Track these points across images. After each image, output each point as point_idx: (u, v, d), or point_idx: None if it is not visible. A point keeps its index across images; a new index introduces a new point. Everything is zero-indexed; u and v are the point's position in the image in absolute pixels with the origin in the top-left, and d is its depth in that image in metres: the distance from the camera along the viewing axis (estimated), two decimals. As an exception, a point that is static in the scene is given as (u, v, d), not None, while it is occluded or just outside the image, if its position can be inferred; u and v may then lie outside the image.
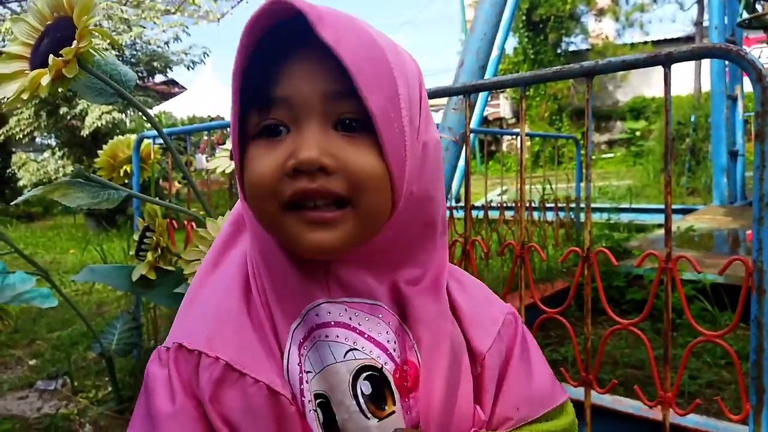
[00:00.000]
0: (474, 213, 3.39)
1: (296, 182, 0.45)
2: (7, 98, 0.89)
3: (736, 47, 1.03)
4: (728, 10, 5.42)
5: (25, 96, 0.89)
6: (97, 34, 0.93)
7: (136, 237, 1.17)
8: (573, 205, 3.87)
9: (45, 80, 0.88)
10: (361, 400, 0.48)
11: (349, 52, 0.44)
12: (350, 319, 0.50)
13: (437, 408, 0.50)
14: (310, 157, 0.44)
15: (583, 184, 3.80)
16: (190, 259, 1.01)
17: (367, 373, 0.49)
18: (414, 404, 0.50)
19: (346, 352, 0.49)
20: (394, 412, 0.49)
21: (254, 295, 0.51)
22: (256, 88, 0.47)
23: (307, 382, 0.48)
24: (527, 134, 5.25)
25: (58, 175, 7.42)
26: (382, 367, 0.50)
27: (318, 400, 0.48)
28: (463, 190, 3.25)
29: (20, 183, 7.87)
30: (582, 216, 3.89)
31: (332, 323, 0.49)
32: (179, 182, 5.36)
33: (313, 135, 0.45)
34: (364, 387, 0.48)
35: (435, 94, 1.38)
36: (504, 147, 16.98)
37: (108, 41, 1.36)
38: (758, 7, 4.56)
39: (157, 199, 1.13)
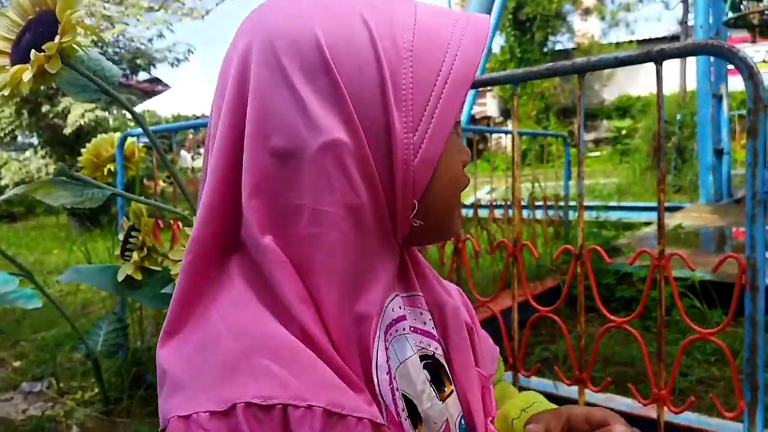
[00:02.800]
0: (463, 212, 3.39)
1: (465, 175, 0.51)
2: (-13, 94, 0.86)
3: (728, 44, 1.03)
4: (713, 9, 5.47)
5: (5, 92, 0.87)
6: (80, 29, 0.90)
7: (121, 237, 1.15)
8: (561, 203, 3.89)
9: (27, 76, 0.86)
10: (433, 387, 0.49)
11: None
12: (402, 308, 0.49)
13: (471, 378, 0.54)
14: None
15: (572, 182, 3.82)
16: (177, 258, 0.99)
17: (425, 362, 0.49)
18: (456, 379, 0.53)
19: (412, 344, 0.48)
20: (453, 391, 0.52)
21: (296, 313, 0.41)
22: None
23: (398, 389, 0.45)
24: (519, 132, 5.23)
25: (40, 174, 7.31)
26: (434, 354, 0.51)
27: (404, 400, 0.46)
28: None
29: (2, 182, 7.74)
30: (570, 214, 3.92)
31: (404, 316, 0.49)
32: (164, 181, 5.31)
33: None
34: (426, 374, 0.49)
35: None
36: (492, 146, 17.04)
37: (92, 36, 1.33)
38: (742, 6, 4.60)
39: (142, 197, 1.11)
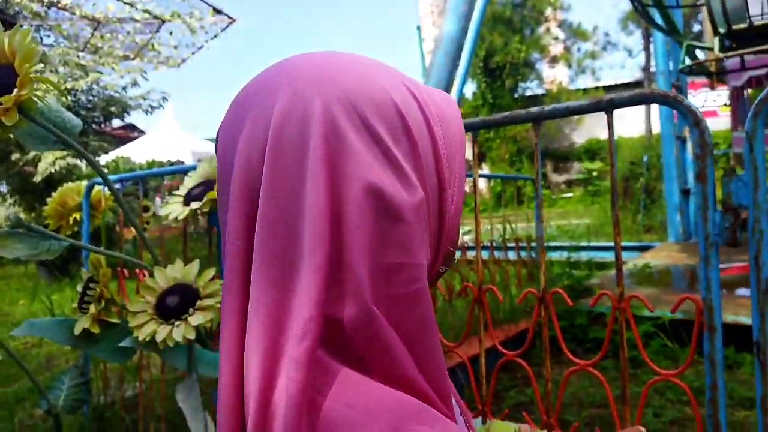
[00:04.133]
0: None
1: None
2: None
3: (673, 93, 1.08)
4: (673, 56, 5.73)
5: (-40, 145, 0.86)
6: (39, 81, 0.91)
7: (79, 288, 1.12)
8: (534, 244, 3.93)
9: (-18, 128, 0.85)
10: None
11: None
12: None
13: None
14: None
15: (544, 224, 3.87)
16: (136, 310, 0.97)
17: None
18: None
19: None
20: None
21: (419, 386, 0.41)
22: None
23: None
24: (483, 175, 5.31)
25: (8, 222, 7.16)
26: None
27: None
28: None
29: (-30, 231, 7.55)
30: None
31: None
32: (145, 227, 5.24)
33: None
34: None
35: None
36: (467, 188, 17.24)
37: (53, 88, 1.33)
38: (699, 54, 4.83)
39: (101, 248, 1.09)
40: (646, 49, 13.87)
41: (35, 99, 0.94)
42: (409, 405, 0.38)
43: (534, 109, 1.10)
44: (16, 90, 0.89)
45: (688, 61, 4.10)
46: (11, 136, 0.95)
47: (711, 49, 3.57)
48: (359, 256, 0.39)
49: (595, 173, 15.70)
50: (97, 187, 1.92)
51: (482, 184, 18.52)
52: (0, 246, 0.95)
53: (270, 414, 0.37)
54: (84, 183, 1.80)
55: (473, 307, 1.25)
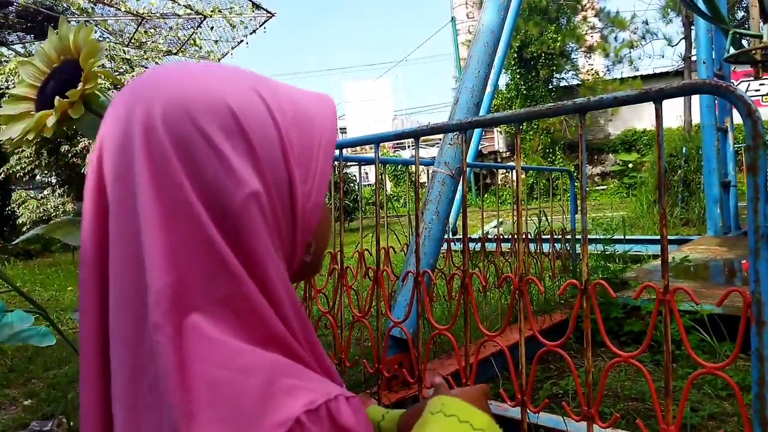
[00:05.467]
0: (471, 245, 3.40)
1: None
2: (13, 138, 0.91)
3: (725, 83, 1.06)
4: (715, 45, 5.56)
5: (30, 136, 0.91)
6: (102, 75, 0.95)
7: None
8: (569, 236, 3.89)
9: (50, 121, 0.90)
10: None
11: None
12: None
13: None
14: None
15: (578, 216, 3.84)
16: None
17: None
18: None
19: None
20: None
21: (289, 342, 0.49)
22: None
23: None
24: (523, 168, 5.28)
25: (57, 212, 7.43)
26: None
27: None
28: (460, 222, 3.23)
29: (19, 221, 7.85)
30: (578, 248, 3.92)
31: None
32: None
33: None
34: None
35: (433, 130, 1.41)
36: (499, 179, 17.09)
37: (111, 81, 1.38)
38: (744, 42, 4.68)
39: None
40: (687, 37, 13.44)
41: (97, 93, 0.99)
42: (283, 363, 0.45)
43: (580, 100, 1.10)
44: (81, 84, 0.93)
45: (733, 50, 3.98)
46: (65, 128, 1.00)
47: (758, 37, 3.46)
48: (196, 247, 0.44)
49: (630, 165, 15.37)
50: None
51: (515, 175, 18.23)
52: (64, 233, 1.00)
53: (145, 378, 0.43)
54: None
55: (513, 297, 1.26)
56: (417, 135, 1.42)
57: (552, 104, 1.14)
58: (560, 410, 1.81)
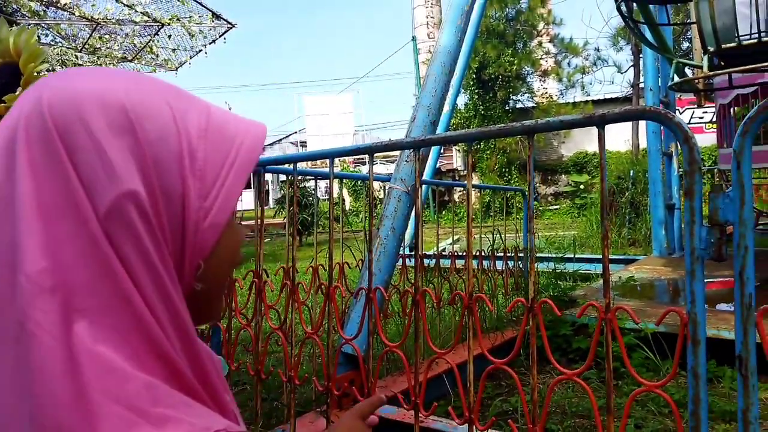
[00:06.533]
0: (426, 261, 3.43)
1: None
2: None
3: (665, 110, 1.11)
4: (662, 73, 5.83)
5: (-38, 141, 0.86)
6: (43, 80, 0.92)
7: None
8: (522, 255, 3.97)
9: (-15, 125, 0.86)
10: None
11: None
12: None
13: None
14: None
15: (543, 226, 3.91)
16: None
17: None
18: None
19: None
20: None
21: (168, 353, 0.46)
22: None
23: None
24: (476, 186, 5.32)
25: None
26: None
27: None
28: (414, 239, 3.22)
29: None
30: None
31: None
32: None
33: None
34: None
35: (388, 147, 1.42)
36: (456, 197, 17.34)
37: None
38: (687, 71, 4.92)
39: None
40: (636, 65, 14.06)
41: (38, 98, 0.95)
42: (159, 389, 0.42)
43: (528, 122, 1.13)
44: (19, 89, 0.90)
45: (677, 78, 4.18)
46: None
47: (700, 67, 3.64)
48: (80, 243, 0.43)
49: (582, 186, 15.86)
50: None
51: (472, 193, 18.54)
52: None
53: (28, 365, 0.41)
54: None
55: (463, 315, 1.27)
56: (371, 151, 1.42)
57: (502, 125, 1.16)
58: (507, 429, 1.83)
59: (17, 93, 0.90)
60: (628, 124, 15.26)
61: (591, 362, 1.12)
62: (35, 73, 0.92)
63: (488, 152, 16.61)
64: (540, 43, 17.25)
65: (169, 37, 8.12)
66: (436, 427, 1.79)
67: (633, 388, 2.33)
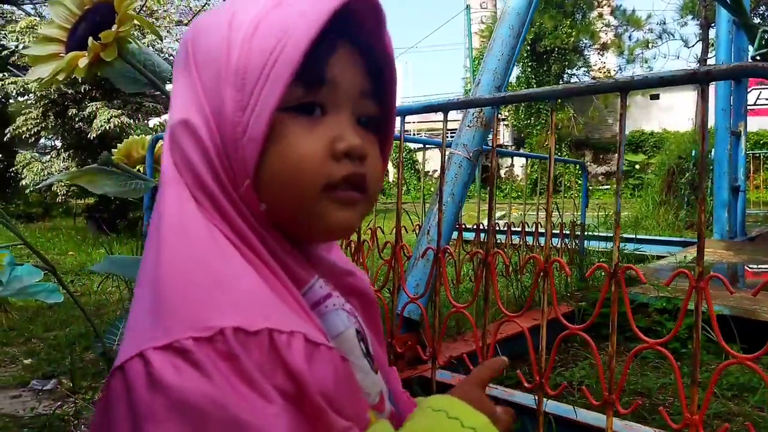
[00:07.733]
0: (474, 235, 3.39)
1: (345, 166, 0.48)
2: (43, 78, 0.88)
3: (773, 69, 1.03)
4: (735, 46, 5.50)
5: (60, 77, 0.88)
6: (136, 20, 0.92)
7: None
8: (578, 232, 3.87)
9: (83, 62, 0.87)
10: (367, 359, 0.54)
11: (393, 60, 0.53)
12: (323, 288, 0.53)
13: (381, 354, 0.60)
14: (360, 145, 0.49)
15: (589, 213, 3.81)
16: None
17: (359, 336, 0.54)
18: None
19: (346, 319, 0.53)
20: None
21: (261, 267, 0.45)
22: (311, 65, 0.46)
23: None
24: (536, 156, 5.21)
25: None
26: (363, 329, 0.56)
27: None
28: (465, 211, 3.19)
29: (23, 182, 7.82)
30: (586, 243, 3.91)
31: (331, 295, 0.53)
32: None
33: (353, 124, 0.50)
34: (362, 347, 0.54)
35: (464, 104, 1.38)
36: (503, 172, 17.05)
37: (149, 30, 1.35)
38: None
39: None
40: (704, 40, 13.35)
41: (129, 39, 0.96)
42: (258, 288, 0.43)
43: (623, 77, 1.07)
44: (115, 26, 0.90)
45: (752, 51, 3.93)
46: (105, 74, 0.96)
47: (783, 39, 3.41)
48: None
49: (637, 166, 15.33)
50: (160, 142, 1.96)
51: (518, 170, 18.27)
52: (89, 181, 0.98)
53: None
54: (148, 138, 1.84)
55: (537, 278, 1.24)
56: (446, 108, 1.38)
57: (592, 82, 1.11)
58: (569, 400, 1.80)
59: (113, 30, 0.91)
60: (692, 102, 14.58)
61: (677, 331, 1.08)
62: (129, 12, 0.93)
63: (538, 127, 16.23)
64: (600, 15, 16.56)
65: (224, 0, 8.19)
66: (493, 393, 1.78)
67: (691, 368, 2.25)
